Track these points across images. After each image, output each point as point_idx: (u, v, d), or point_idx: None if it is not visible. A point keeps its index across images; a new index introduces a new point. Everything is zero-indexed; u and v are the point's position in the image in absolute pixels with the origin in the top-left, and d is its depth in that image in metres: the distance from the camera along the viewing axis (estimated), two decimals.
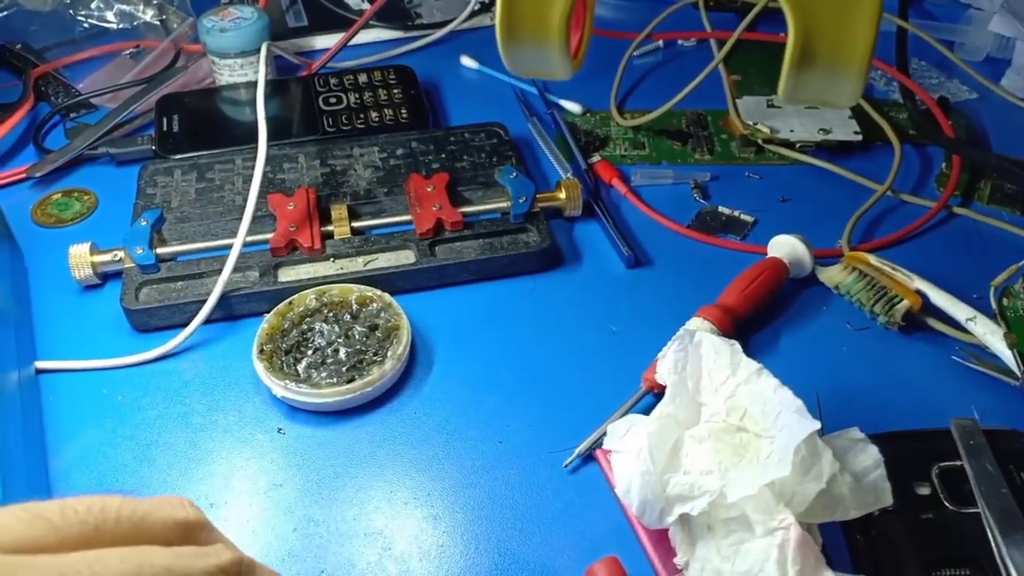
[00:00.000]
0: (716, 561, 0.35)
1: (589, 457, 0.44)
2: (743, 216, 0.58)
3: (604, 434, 0.43)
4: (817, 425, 0.34)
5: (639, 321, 0.51)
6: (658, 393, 0.45)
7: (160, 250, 0.52)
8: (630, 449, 0.39)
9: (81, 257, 0.52)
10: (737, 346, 0.39)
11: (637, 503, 0.37)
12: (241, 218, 0.53)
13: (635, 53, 0.74)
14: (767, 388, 0.36)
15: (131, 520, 0.23)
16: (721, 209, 0.59)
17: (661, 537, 0.39)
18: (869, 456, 0.36)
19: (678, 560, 0.38)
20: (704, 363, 0.40)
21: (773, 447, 0.35)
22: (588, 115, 0.68)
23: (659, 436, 0.38)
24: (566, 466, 0.44)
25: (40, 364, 0.48)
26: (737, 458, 0.36)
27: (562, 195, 0.57)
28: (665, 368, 0.40)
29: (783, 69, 0.29)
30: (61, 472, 0.43)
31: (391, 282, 0.52)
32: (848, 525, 0.39)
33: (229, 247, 0.52)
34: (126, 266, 0.52)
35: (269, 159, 0.57)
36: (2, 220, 0.54)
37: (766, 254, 0.53)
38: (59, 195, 0.61)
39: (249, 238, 0.52)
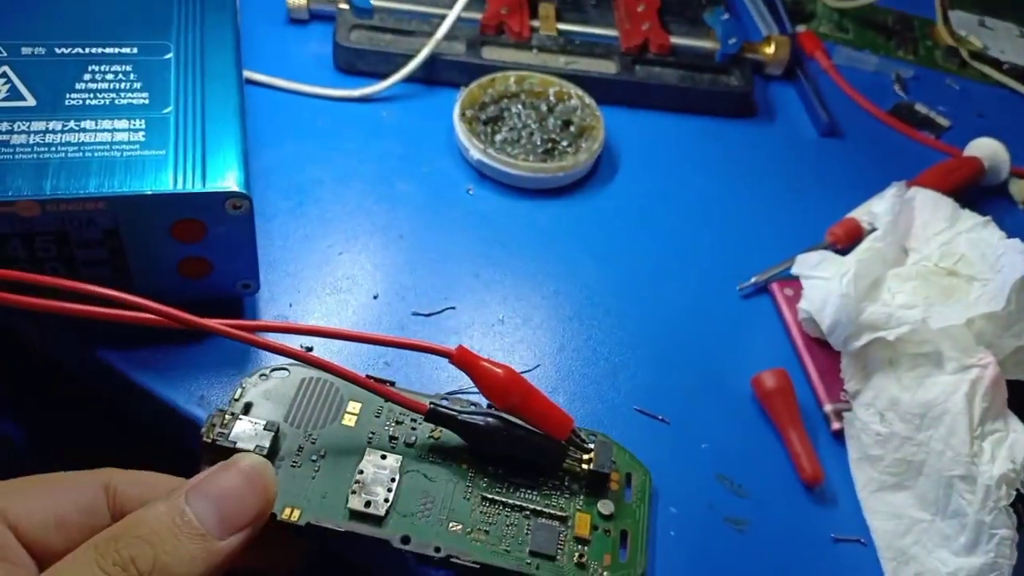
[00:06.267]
0: (895, 390, 0.36)
1: (762, 290, 0.45)
2: (939, 119, 0.57)
3: (784, 268, 0.44)
4: None
5: (825, 186, 0.51)
6: (841, 248, 0.46)
7: (375, 1, 0.53)
8: (825, 276, 0.39)
9: None
10: (955, 203, 0.39)
11: (829, 322, 0.38)
12: None
13: None
14: (993, 237, 0.37)
15: None
16: (918, 106, 0.58)
17: (829, 368, 0.40)
18: None
19: (847, 387, 0.39)
20: (919, 214, 0.40)
21: (985, 288, 0.35)
22: None
23: (865, 266, 0.38)
24: (741, 289, 0.44)
25: (248, 74, 0.49)
26: (944, 298, 0.36)
27: (770, 49, 0.56)
28: (881, 207, 0.40)
29: None
30: (263, 170, 0.45)
31: (587, 87, 0.52)
32: None
33: (439, 16, 0.52)
34: (340, 6, 0.52)
35: None
36: None
37: (957, 156, 0.53)
38: None
39: (462, 13, 0.52)
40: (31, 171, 0.33)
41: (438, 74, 0.52)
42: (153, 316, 0.30)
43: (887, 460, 0.36)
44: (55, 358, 0.40)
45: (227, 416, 0.31)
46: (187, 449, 0.33)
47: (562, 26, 0.55)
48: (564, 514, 0.32)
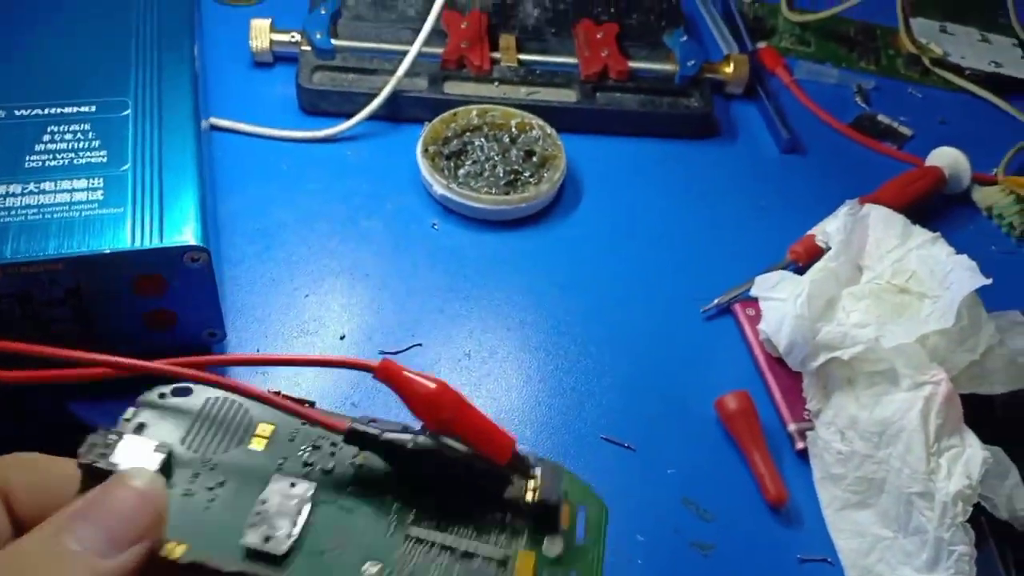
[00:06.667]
0: (853, 409, 0.37)
1: (725, 311, 0.45)
2: (901, 128, 0.58)
3: (745, 289, 0.44)
4: (988, 280, 0.35)
5: (787, 203, 0.52)
6: (803, 266, 0.46)
7: (336, 42, 0.54)
8: (782, 297, 0.40)
9: (261, 30, 0.53)
10: (906, 219, 0.40)
11: (785, 343, 0.39)
12: (412, 28, 0.54)
13: None
14: (942, 253, 0.37)
15: None
16: (880, 117, 0.58)
17: (792, 387, 0.41)
18: None
19: (809, 406, 0.39)
20: (872, 232, 0.40)
21: (936, 305, 0.36)
22: (755, 4, 0.67)
23: (818, 286, 0.39)
24: (704, 311, 0.45)
25: (214, 120, 0.50)
26: (896, 315, 0.37)
27: (729, 68, 0.57)
28: (833, 226, 0.40)
29: None
30: (229, 216, 0.46)
31: (549, 117, 0.53)
32: None
33: (400, 52, 0.53)
34: (302, 48, 0.53)
35: None
36: None
37: (919, 166, 0.53)
38: None
39: (423, 49, 0.53)
40: None
41: (401, 111, 0.52)
42: (98, 369, 0.27)
43: (849, 478, 0.36)
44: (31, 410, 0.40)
45: (111, 436, 0.26)
46: None
47: (523, 56, 0.56)
48: (504, 555, 0.27)
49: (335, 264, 0.44)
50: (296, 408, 0.27)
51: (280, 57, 0.55)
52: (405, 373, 0.28)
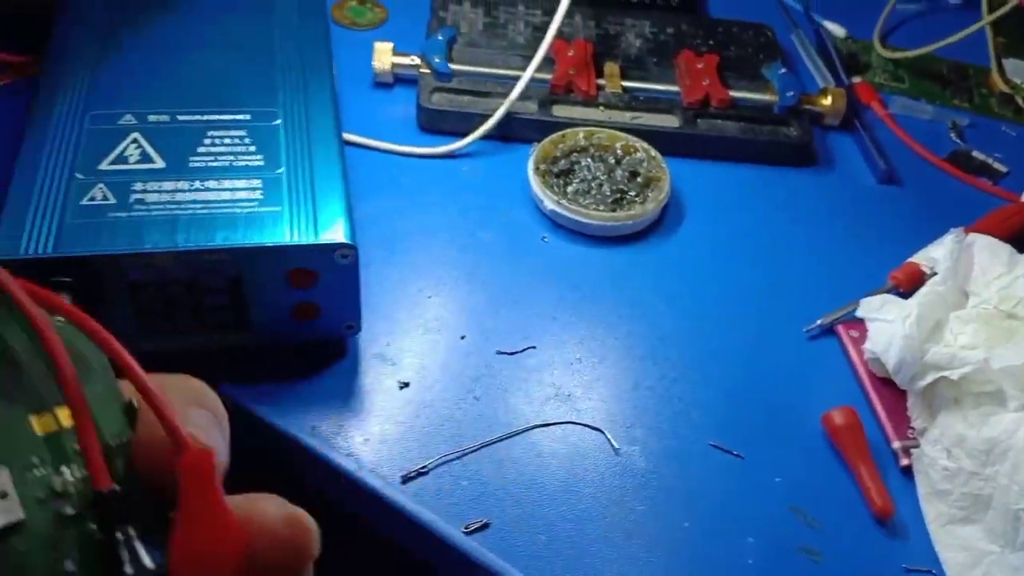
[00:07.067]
0: (960, 428, 0.38)
1: (828, 331, 0.47)
2: (996, 165, 0.59)
3: (849, 311, 0.46)
4: None
5: (884, 232, 0.53)
6: (904, 292, 0.47)
7: (453, 66, 0.57)
8: (889, 319, 0.41)
9: (385, 52, 0.57)
10: (1012, 248, 0.41)
11: (894, 362, 0.40)
12: (522, 55, 0.57)
13: None
14: None
15: None
16: (975, 153, 0.60)
17: (896, 406, 0.42)
18: None
19: (915, 424, 0.40)
20: (977, 259, 0.42)
21: None
22: (849, 40, 0.69)
23: (927, 308, 0.40)
24: (807, 331, 0.46)
25: (345, 136, 0.53)
26: (1004, 339, 0.38)
27: (827, 101, 0.59)
28: (940, 252, 0.42)
29: None
30: (357, 223, 0.48)
31: (652, 141, 0.55)
32: None
33: (512, 77, 0.56)
34: (421, 71, 0.57)
35: (547, 11, 0.61)
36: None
37: (1016, 202, 0.54)
38: (355, 2, 0.66)
39: (534, 75, 0.56)
40: (165, 226, 0.37)
41: (513, 131, 0.56)
42: None
43: (955, 494, 0.37)
44: None
45: None
46: (296, 473, 0.37)
47: (626, 83, 0.58)
48: None
49: (455, 271, 0.47)
50: (87, 429, 0.17)
51: (399, 79, 0.59)
52: (215, 483, 0.18)
